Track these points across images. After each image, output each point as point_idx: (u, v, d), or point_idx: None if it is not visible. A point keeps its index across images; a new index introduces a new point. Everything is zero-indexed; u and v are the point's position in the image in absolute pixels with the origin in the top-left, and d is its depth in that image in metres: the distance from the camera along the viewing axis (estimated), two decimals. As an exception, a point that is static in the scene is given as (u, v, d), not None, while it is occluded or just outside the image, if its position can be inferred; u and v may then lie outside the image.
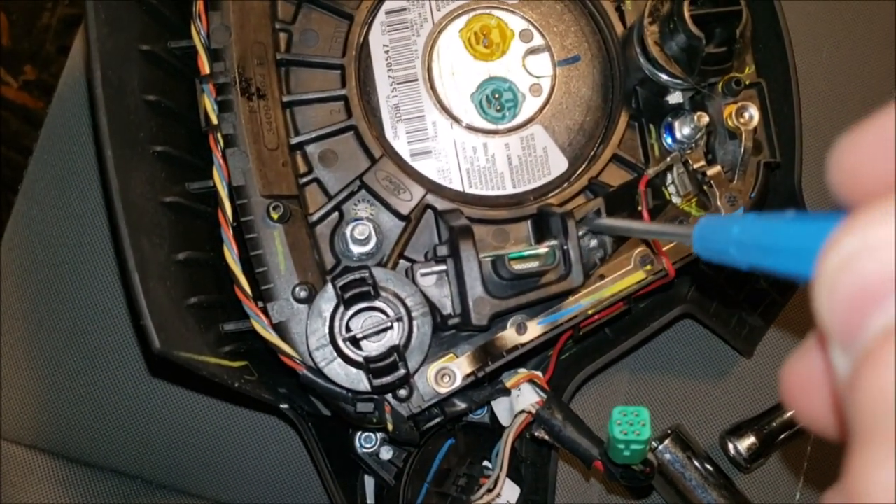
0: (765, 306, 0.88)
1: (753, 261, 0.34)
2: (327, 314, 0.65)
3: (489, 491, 0.74)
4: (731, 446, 0.88)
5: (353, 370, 0.65)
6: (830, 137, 0.87)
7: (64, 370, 0.89)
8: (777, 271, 0.31)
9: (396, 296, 0.66)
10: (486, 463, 0.79)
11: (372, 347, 0.67)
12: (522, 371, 0.75)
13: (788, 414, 0.88)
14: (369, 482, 0.80)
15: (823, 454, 0.92)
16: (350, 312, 0.66)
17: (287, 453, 0.89)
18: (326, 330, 0.65)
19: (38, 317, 0.90)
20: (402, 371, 0.64)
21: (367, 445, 0.77)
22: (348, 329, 0.66)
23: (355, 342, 0.67)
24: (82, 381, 0.89)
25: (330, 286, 0.65)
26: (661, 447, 0.87)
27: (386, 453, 0.78)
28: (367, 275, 0.65)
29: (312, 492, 0.88)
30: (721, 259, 0.38)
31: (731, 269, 0.81)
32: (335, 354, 0.65)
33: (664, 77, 0.73)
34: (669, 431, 0.88)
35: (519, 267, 0.69)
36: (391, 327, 0.66)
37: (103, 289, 0.90)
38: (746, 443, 0.88)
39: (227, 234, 0.69)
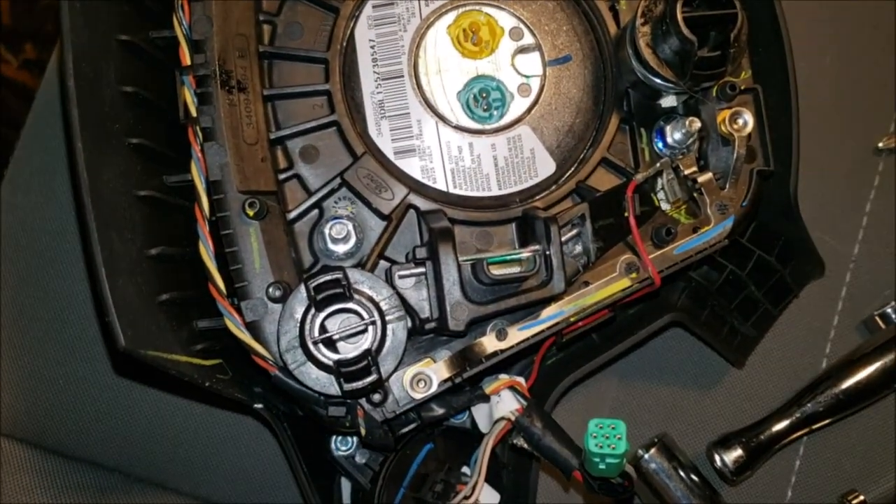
0: (757, 317, 0.86)
1: None
2: (299, 315, 0.64)
3: (465, 498, 0.73)
4: (717, 458, 0.86)
5: (324, 374, 0.63)
6: (832, 146, 0.85)
7: (43, 360, 0.88)
8: None
9: (371, 299, 0.65)
10: (465, 469, 0.77)
11: (348, 349, 0.66)
12: (503, 377, 0.74)
13: (777, 427, 0.86)
14: (346, 485, 0.79)
15: (812, 467, 0.90)
16: (323, 314, 0.64)
17: (267, 450, 0.88)
18: (297, 331, 0.63)
19: (20, 306, 0.89)
20: (374, 376, 0.63)
21: (343, 448, 0.76)
22: (323, 330, 0.65)
23: (330, 344, 0.65)
24: (62, 372, 0.88)
25: (303, 287, 0.64)
26: (646, 456, 0.85)
27: (362, 456, 0.76)
28: (341, 276, 0.63)
29: (292, 489, 0.87)
30: None
31: (724, 277, 0.79)
32: (305, 357, 0.63)
33: (656, 80, 0.71)
34: (656, 440, 0.86)
35: (498, 272, 0.67)
36: (365, 330, 0.65)
37: (85, 279, 0.89)
38: (733, 455, 0.86)
39: (204, 229, 0.68)
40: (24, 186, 0.91)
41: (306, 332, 0.63)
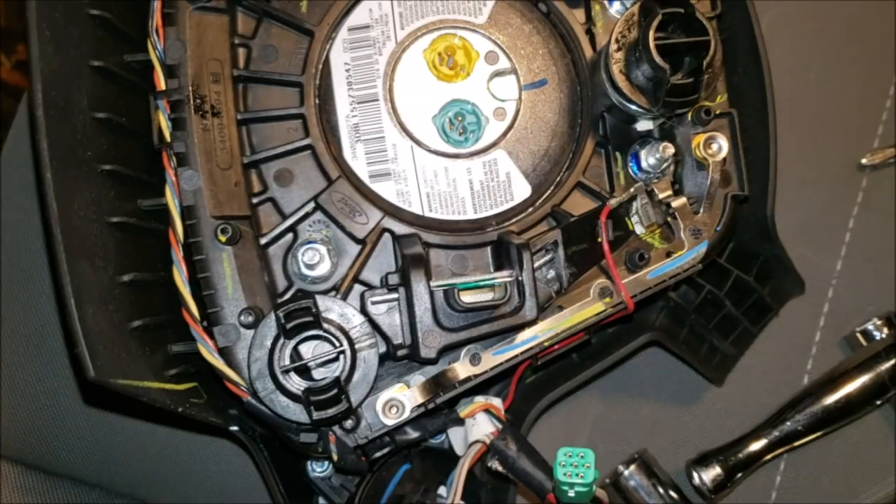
0: (736, 335, 0.86)
1: None
2: (269, 343, 0.64)
3: (441, 520, 0.73)
4: (695, 476, 0.86)
5: (292, 403, 0.64)
6: (815, 161, 0.85)
7: (23, 376, 0.89)
8: None
9: (341, 327, 0.65)
10: (441, 490, 0.78)
11: (323, 374, 0.66)
12: (478, 400, 0.74)
13: (755, 445, 0.86)
14: (324, 504, 0.79)
15: (793, 483, 0.91)
16: (293, 342, 0.64)
17: (248, 467, 0.89)
18: (267, 359, 0.64)
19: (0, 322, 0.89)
20: (344, 405, 0.63)
21: (319, 469, 0.76)
22: (295, 357, 0.65)
23: (303, 371, 0.65)
24: (42, 389, 0.88)
25: (272, 315, 0.64)
26: (626, 472, 0.86)
27: (338, 478, 0.77)
28: (311, 304, 0.63)
29: (273, 505, 0.88)
30: None
31: (702, 296, 0.79)
32: (274, 385, 0.63)
33: (630, 106, 0.70)
34: (636, 456, 0.86)
35: (469, 299, 0.67)
36: (337, 358, 0.65)
37: (66, 296, 0.89)
38: (712, 473, 0.86)
39: (178, 254, 0.68)
40: (5, 202, 0.91)
41: (275, 361, 0.63)
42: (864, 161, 0.96)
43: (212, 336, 0.67)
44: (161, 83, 0.70)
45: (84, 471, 0.88)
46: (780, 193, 0.79)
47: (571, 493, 0.64)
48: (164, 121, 0.69)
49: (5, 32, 1.43)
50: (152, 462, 0.89)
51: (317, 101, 0.73)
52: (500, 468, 0.73)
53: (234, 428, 0.73)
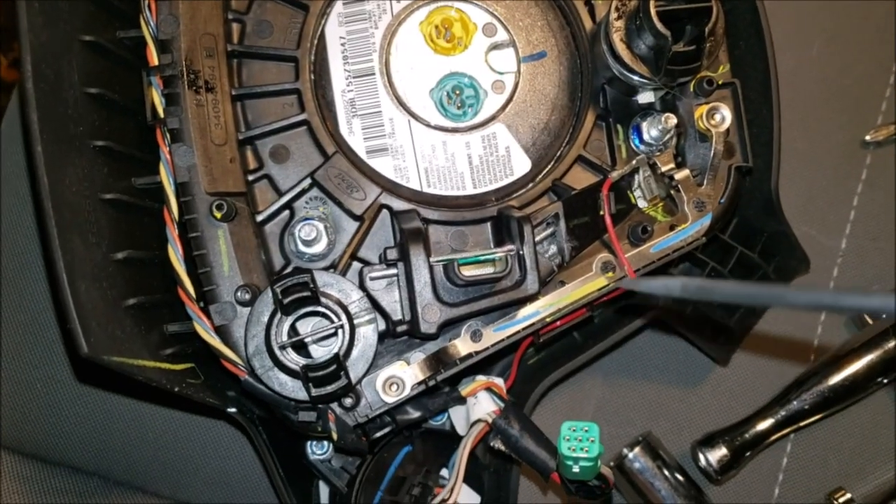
0: (741, 314, 0.85)
1: None
2: (266, 319, 0.63)
3: (443, 501, 0.72)
4: (702, 457, 0.85)
5: (292, 379, 0.62)
6: (819, 138, 0.84)
7: (20, 364, 0.87)
8: None
9: (339, 302, 0.63)
10: (444, 471, 0.77)
11: (321, 353, 0.65)
12: (480, 378, 0.73)
13: (761, 426, 0.85)
14: (324, 487, 0.78)
15: (800, 464, 0.89)
16: (290, 318, 0.63)
17: (247, 453, 0.88)
18: (264, 336, 0.62)
19: (-4, 309, 0.88)
20: (343, 381, 0.62)
21: (319, 451, 0.75)
22: (293, 333, 0.64)
23: (300, 347, 0.64)
24: (39, 376, 0.87)
25: (269, 291, 0.63)
26: (631, 455, 0.85)
27: (338, 460, 0.75)
28: (308, 279, 0.62)
29: (272, 492, 0.86)
30: None
31: (706, 274, 0.78)
32: (272, 362, 0.62)
33: (631, 77, 0.69)
34: (640, 439, 0.85)
35: (470, 273, 0.66)
36: (335, 334, 0.64)
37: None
38: (718, 454, 0.85)
39: (173, 232, 0.67)
40: (3, 189, 0.90)
41: (272, 337, 0.62)
42: (867, 138, 0.94)
43: (208, 315, 0.66)
44: (154, 58, 0.68)
45: (82, 458, 0.87)
46: (784, 171, 0.78)
47: (576, 469, 0.63)
48: (157, 97, 0.68)
49: (2, 30, 1.42)
50: (151, 449, 0.88)
51: (312, 77, 0.72)
52: (502, 447, 0.71)
53: (232, 409, 0.72)
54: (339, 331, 0.63)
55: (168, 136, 0.68)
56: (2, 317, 0.88)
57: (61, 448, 0.87)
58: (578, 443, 0.61)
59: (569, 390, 0.90)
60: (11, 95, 0.95)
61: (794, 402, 0.86)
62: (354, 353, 0.64)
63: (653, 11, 0.65)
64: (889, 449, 0.90)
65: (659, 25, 0.65)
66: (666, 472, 0.84)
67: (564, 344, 0.83)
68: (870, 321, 0.90)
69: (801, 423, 0.86)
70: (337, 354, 0.62)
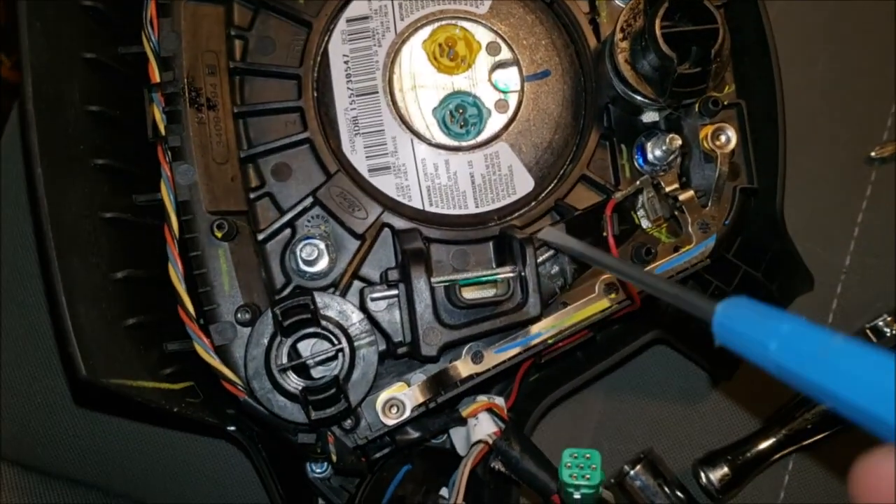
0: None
1: (803, 375, 0.31)
2: (266, 341, 0.62)
3: (442, 521, 0.72)
4: (703, 476, 0.85)
5: (290, 402, 0.62)
6: (823, 155, 0.82)
7: (19, 375, 0.87)
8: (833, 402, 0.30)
9: (339, 325, 0.63)
10: (444, 491, 0.76)
11: (322, 372, 0.65)
12: (481, 399, 0.72)
13: (763, 444, 0.84)
14: (324, 505, 0.78)
15: (801, 483, 0.89)
16: (290, 340, 0.63)
17: (247, 467, 0.87)
18: (264, 358, 0.62)
19: (-4, 321, 0.88)
20: (343, 404, 0.62)
21: (319, 470, 0.74)
22: (292, 356, 0.63)
23: (301, 370, 0.64)
24: (38, 388, 0.87)
25: (269, 312, 0.62)
26: (632, 472, 0.84)
27: (338, 479, 0.75)
28: (308, 301, 0.62)
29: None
30: (748, 353, 0.34)
31: (709, 292, 0.77)
32: (271, 385, 0.62)
33: (635, 97, 0.69)
34: (641, 456, 0.85)
35: (471, 296, 0.66)
36: (335, 356, 0.63)
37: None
38: (719, 473, 0.84)
39: (173, 250, 0.67)
40: (2, 199, 0.89)
41: (272, 360, 0.62)
42: (873, 154, 0.94)
43: (208, 334, 0.66)
44: (155, 75, 0.68)
45: (82, 471, 0.87)
46: (788, 187, 0.77)
47: (577, 495, 0.62)
48: (158, 114, 0.68)
49: (4, 31, 1.42)
50: (150, 462, 0.87)
51: (315, 94, 0.71)
52: (503, 469, 0.71)
53: (232, 428, 0.71)
54: (340, 354, 0.63)
55: (169, 153, 0.67)
56: (1, 328, 0.88)
57: (61, 460, 0.87)
58: (580, 470, 0.61)
59: (570, 407, 0.90)
60: (14, 98, 0.94)
61: (797, 421, 0.85)
62: (355, 375, 0.64)
63: (658, 32, 0.64)
64: (892, 468, 0.89)
65: (664, 47, 0.64)
66: (667, 490, 0.84)
67: (566, 363, 0.82)
68: (873, 339, 0.89)
69: (804, 443, 0.86)
70: (337, 377, 0.62)
